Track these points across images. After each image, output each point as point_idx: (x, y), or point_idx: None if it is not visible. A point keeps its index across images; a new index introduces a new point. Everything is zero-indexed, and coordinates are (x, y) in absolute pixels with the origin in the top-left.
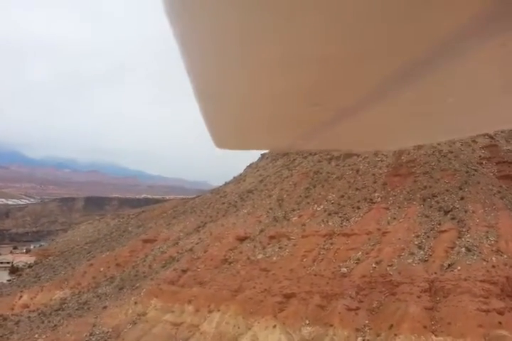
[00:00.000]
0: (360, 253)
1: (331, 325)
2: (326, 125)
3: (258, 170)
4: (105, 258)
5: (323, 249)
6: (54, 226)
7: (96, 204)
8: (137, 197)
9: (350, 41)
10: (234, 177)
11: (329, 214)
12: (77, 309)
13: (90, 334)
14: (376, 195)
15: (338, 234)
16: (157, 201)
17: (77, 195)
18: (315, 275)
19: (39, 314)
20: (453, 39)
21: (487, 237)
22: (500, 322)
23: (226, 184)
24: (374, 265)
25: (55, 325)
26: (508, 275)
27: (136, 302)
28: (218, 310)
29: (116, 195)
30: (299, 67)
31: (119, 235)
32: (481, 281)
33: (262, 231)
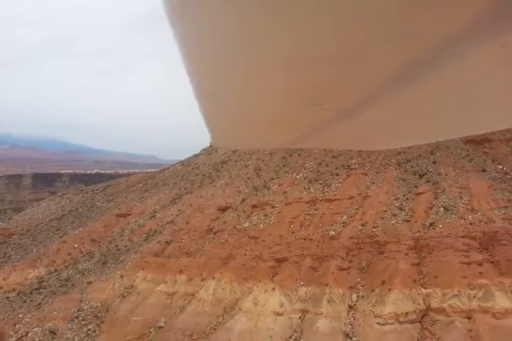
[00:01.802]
0: (345, 216)
1: (327, 284)
2: (325, 124)
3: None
4: (78, 234)
5: (309, 214)
6: (2, 205)
7: (45, 180)
8: (89, 172)
9: (350, 41)
10: (203, 149)
11: (310, 182)
12: (60, 286)
13: (78, 310)
14: (353, 161)
15: (321, 200)
16: (110, 176)
17: (22, 171)
18: (304, 239)
19: (18, 294)
20: (453, 39)
21: (461, 197)
22: (480, 272)
23: (196, 156)
24: (360, 227)
25: (39, 304)
26: (484, 230)
27: (122, 276)
28: (213, 278)
29: (66, 171)
30: (298, 67)
31: (88, 210)
32: (461, 237)
33: (243, 200)
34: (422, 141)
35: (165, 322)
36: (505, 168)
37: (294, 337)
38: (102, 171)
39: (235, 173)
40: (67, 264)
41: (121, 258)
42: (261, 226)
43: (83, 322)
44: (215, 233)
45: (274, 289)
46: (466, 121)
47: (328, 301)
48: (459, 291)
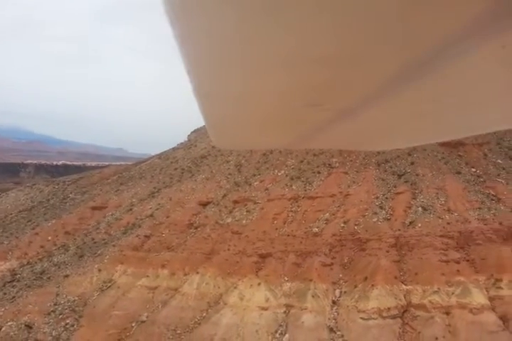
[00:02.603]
0: (327, 214)
1: (311, 280)
2: (325, 125)
3: (209, 136)
4: (51, 226)
5: (291, 211)
6: None
7: (8, 170)
8: (55, 163)
9: (350, 41)
10: (181, 143)
11: (291, 179)
12: (35, 279)
13: (55, 304)
14: (334, 160)
15: (303, 197)
16: (78, 168)
17: None
18: (288, 235)
19: None
20: (453, 39)
21: (438, 198)
22: (458, 270)
23: (174, 149)
24: (342, 224)
25: (14, 297)
26: (460, 230)
27: (100, 270)
28: (197, 273)
29: (31, 161)
30: (298, 67)
31: (61, 202)
32: (440, 236)
33: (224, 196)
34: (422, 141)
35: (147, 317)
36: (478, 171)
37: (279, 332)
38: (69, 162)
39: (215, 168)
40: (40, 257)
41: (99, 252)
42: (244, 221)
43: (60, 316)
44: (196, 228)
45: (259, 284)
46: (466, 121)
47: (313, 296)
48: (439, 288)
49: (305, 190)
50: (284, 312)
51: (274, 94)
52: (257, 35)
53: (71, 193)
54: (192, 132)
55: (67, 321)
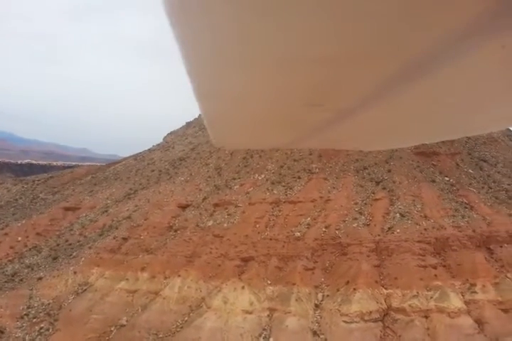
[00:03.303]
0: (308, 218)
1: (294, 284)
2: (325, 125)
3: (187, 138)
4: (21, 227)
5: (273, 215)
6: None
7: None
8: (19, 162)
9: (350, 41)
10: (157, 145)
11: (272, 183)
12: (6, 281)
13: (28, 307)
14: (314, 166)
15: (285, 202)
16: (43, 167)
17: None
18: (270, 239)
19: None
20: (453, 39)
21: (414, 205)
22: (435, 275)
23: (150, 150)
24: (324, 229)
25: None
26: (437, 236)
27: (75, 272)
28: (178, 276)
29: None
30: (298, 67)
31: (30, 202)
32: (417, 242)
33: (205, 199)
34: (422, 140)
35: (127, 321)
36: (451, 180)
37: (263, 335)
38: (34, 161)
39: (194, 171)
40: (10, 258)
41: (74, 254)
42: (225, 225)
43: (34, 320)
44: (176, 230)
45: (243, 287)
46: (466, 121)
47: (296, 300)
48: (418, 292)
49: (286, 195)
50: (268, 315)
51: (274, 94)
52: (257, 35)
53: (41, 193)
54: (168, 134)
55: (42, 325)
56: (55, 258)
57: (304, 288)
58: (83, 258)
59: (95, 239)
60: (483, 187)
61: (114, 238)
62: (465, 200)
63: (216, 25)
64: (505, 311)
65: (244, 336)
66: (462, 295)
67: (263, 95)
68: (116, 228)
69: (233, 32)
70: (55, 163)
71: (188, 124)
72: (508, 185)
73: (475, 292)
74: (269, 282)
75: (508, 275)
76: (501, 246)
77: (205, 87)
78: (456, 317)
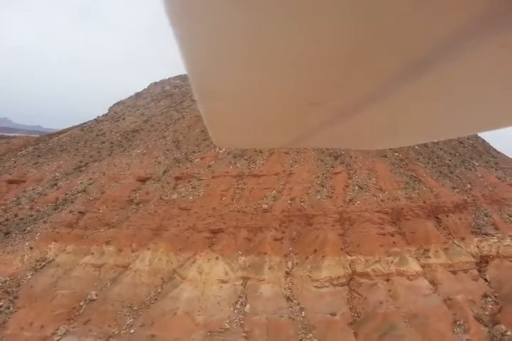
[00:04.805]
0: (274, 191)
1: (265, 253)
2: (325, 124)
3: (138, 109)
4: None
5: (238, 188)
6: None
7: None
8: None
9: (350, 40)
10: (104, 115)
11: (234, 157)
12: None
13: None
14: None
15: (248, 175)
16: None
17: None
18: (238, 211)
19: None
20: (453, 39)
21: (370, 178)
22: (394, 242)
23: (98, 121)
24: (289, 201)
25: None
26: (393, 206)
27: (31, 248)
28: (148, 249)
29: None
30: (299, 67)
31: None
32: (376, 212)
33: (165, 172)
34: (422, 140)
35: (97, 295)
36: (400, 155)
37: (240, 302)
38: None
39: (151, 144)
40: None
41: (28, 229)
42: (190, 198)
43: None
44: (137, 204)
45: (217, 258)
46: (466, 121)
47: (269, 268)
48: (379, 258)
49: (249, 168)
50: (242, 284)
51: (274, 93)
52: (259, 34)
53: None
54: (115, 104)
55: (1, 303)
56: (6, 234)
57: (275, 257)
58: (38, 233)
59: (50, 214)
60: (428, 162)
61: (70, 212)
62: (414, 174)
63: (217, 25)
64: (453, 273)
65: (221, 304)
66: (418, 260)
67: (263, 95)
68: (72, 202)
69: (234, 32)
70: None
71: (138, 95)
72: (449, 160)
73: (429, 257)
74: (240, 252)
75: (455, 241)
76: (447, 216)
77: (205, 87)
78: (415, 279)
